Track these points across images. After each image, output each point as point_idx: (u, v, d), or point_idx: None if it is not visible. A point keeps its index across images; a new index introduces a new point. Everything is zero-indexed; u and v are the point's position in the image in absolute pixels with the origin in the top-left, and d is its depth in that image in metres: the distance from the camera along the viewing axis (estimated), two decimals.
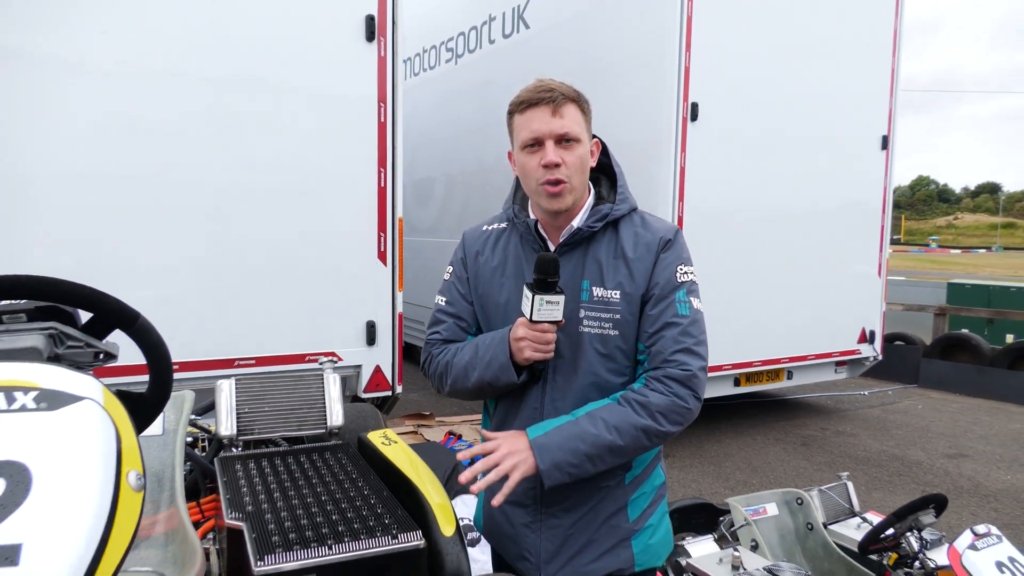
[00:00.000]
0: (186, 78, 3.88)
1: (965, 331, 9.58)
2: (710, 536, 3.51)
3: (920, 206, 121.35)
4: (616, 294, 1.67)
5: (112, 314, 1.20)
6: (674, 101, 5.54)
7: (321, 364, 2.18)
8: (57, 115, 3.63)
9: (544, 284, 1.58)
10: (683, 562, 3.28)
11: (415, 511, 1.59)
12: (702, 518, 3.84)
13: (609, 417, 1.60)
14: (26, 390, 0.92)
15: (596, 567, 1.70)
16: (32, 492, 0.81)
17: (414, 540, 1.42)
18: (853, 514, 3.70)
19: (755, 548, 3.37)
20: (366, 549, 1.38)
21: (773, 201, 6.26)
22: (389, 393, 4.52)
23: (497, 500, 1.56)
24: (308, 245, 4.26)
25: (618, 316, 1.67)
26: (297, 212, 4.22)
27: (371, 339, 4.39)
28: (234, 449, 1.98)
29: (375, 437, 2.05)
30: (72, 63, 3.62)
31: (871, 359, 7.19)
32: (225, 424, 1.97)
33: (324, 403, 2.09)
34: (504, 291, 1.77)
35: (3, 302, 1.15)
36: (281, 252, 4.18)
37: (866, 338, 7.06)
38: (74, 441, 0.89)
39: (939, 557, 2.93)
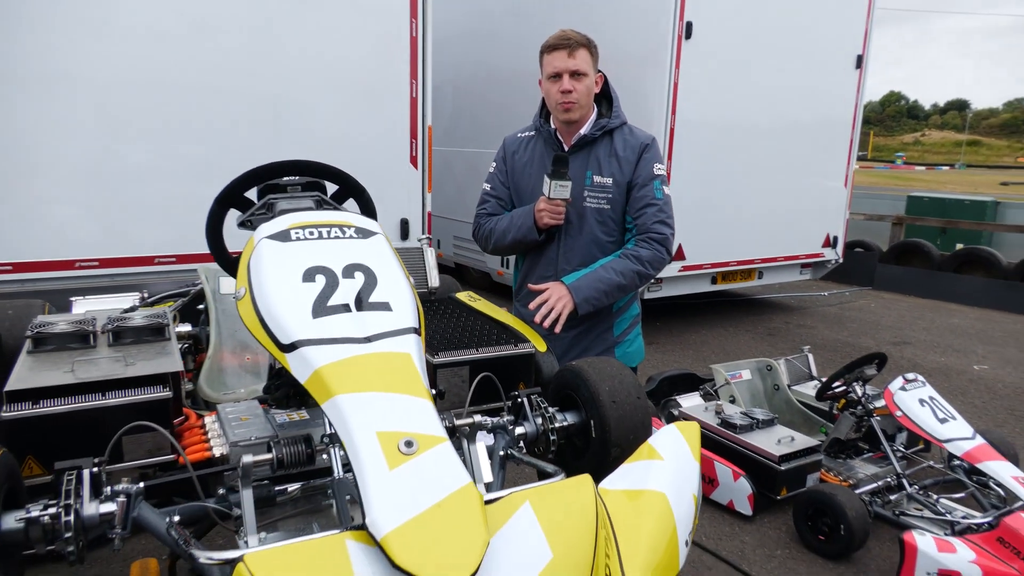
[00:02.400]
0: None
1: (918, 239, 10.46)
2: (696, 393, 4.32)
3: (889, 122, 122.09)
4: (609, 180, 2.56)
5: (350, 187, 1.82)
6: (671, 19, 6.00)
7: (420, 241, 2.81)
8: (116, 28, 3.96)
9: (558, 173, 2.43)
10: (675, 411, 4.10)
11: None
12: (686, 385, 4.65)
13: (616, 266, 2.51)
14: (349, 227, 1.54)
15: None
16: (379, 279, 1.45)
17: (528, 348, 2.10)
18: (811, 378, 4.54)
19: (732, 402, 4.19)
20: (500, 352, 2.06)
21: (754, 115, 6.85)
22: None
23: (559, 327, 2.42)
24: (348, 150, 4.74)
25: (610, 195, 2.56)
26: (337, 120, 4.69)
27: (404, 234, 4.98)
28: None
29: (463, 296, 2.72)
30: None
31: (833, 262, 8.01)
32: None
33: (425, 270, 2.74)
34: (531, 179, 2.64)
35: (285, 178, 1.74)
36: (324, 154, 4.65)
37: (830, 243, 7.85)
38: (384, 255, 1.52)
39: (880, 405, 3.75)
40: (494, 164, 2.81)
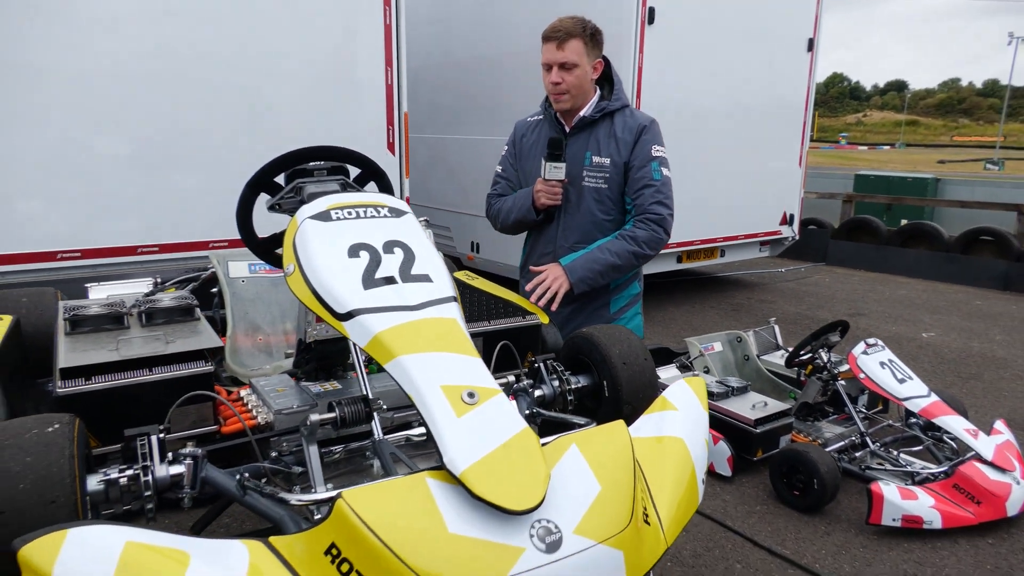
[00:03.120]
0: None
1: (867, 216, 10.92)
2: (673, 365, 4.53)
3: (833, 103, 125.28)
4: (607, 161, 2.66)
5: (372, 170, 1.93)
6: (634, 5, 6.16)
7: (420, 221, 2.92)
8: (84, 13, 3.93)
9: (552, 155, 2.56)
10: None
11: None
12: (661, 358, 4.86)
13: (611, 247, 2.62)
14: (382, 207, 1.66)
15: None
16: (416, 253, 1.57)
17: (536, 320, 2.25)
18: (778, 348, 4.80)
19: (707, 372, 4.41)
20: (509, 323, 2.20)
21: (715, 98, 7.08)
22: None
23: (555, 305, 2.54)
24: (322, 136, 4.77)
25: (608, 175, 2.67)
26: (314, 109, 4.73)
27: None
28: None
29: (460, 275, 2.85)
30: None
31: (790, 239, 8.34)
32: None
33: None
34: (536, 161, 2.74)
35: (311, 163, 1.84)
36: (297, 143, 4.71)
37: (787, 220, 8.18)
38: (416, 232, 1.64)
39: (844, 369, 4.00)
40: (506, 147, 2.91)
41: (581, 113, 2.67)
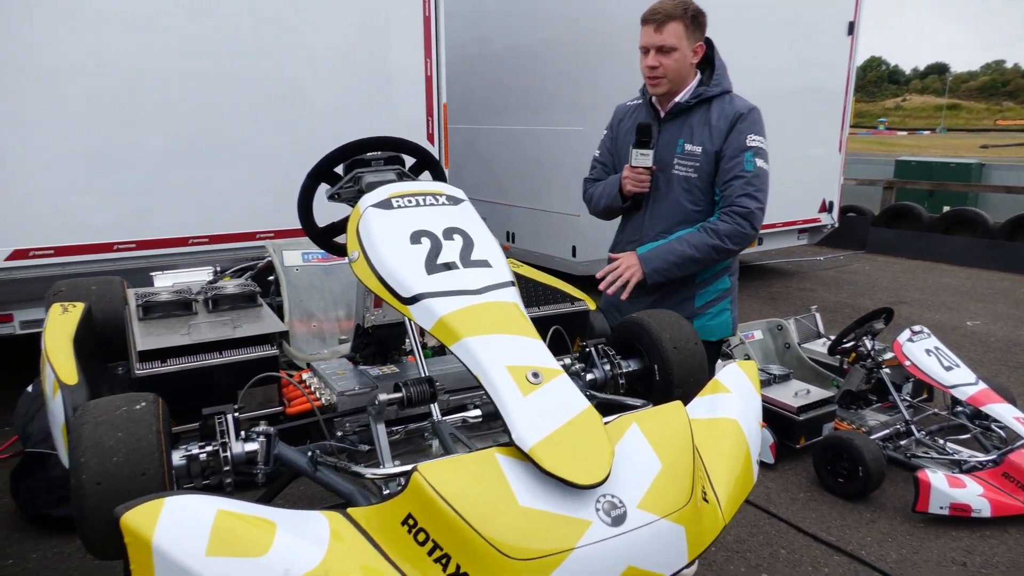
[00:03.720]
0: None
1: (908, 202, 10.72)
2: None
3: (871, 88, 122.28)
4: (699, 149, 2.54)
5: (426, 160, 1.98)
6: None
7: None
8: (121, 11, 4.04)
9: (639, 142, 2.50)
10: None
11: None
12: None
13: (690, 239, 2.52)
14: (440, 195, 1.70)
15: None
16: (475, 240, 1.61)
17: (584, 305, 2.28)
18: (819, 336, 4.76)
19: (748, 359, 4.40)
20: (558, 309, 2.24)
21: (750, 85, 6.90)
22: None
23: (624, 295, 2.52)
24: (362, 128, 4.83)
25: (698, 164, 2.55)
26: (353, 99, 4.80)
27: None
28: None
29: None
30: None
31: (829, 226, 8.23)
32: None
33: None
34: (630, 146, 2.62)
35: (370, 153, 1.90)
36: (341, 135, 4.78)
37: (826, 208, 8.07)
38: (473, 220, 1.69)
39: (889, 356, 3.96)
40: (605, 131, 2.85)
41: (676, 99, 2.55)
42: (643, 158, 2.50)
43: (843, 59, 7.79)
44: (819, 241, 8.65)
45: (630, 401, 1.70)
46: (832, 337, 4.39)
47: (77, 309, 2.11)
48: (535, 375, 1.31)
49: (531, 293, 2.36)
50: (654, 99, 2.62)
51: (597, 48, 6.68)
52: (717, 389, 1.63)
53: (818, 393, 3.79)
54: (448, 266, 1.51)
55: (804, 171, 7.75)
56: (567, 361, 1.80)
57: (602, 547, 1.13)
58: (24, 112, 3.81)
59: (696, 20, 2.46)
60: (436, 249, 1.54)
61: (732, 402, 1.59)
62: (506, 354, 1.34)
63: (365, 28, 4.77)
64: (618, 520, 1.17)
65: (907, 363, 3.67)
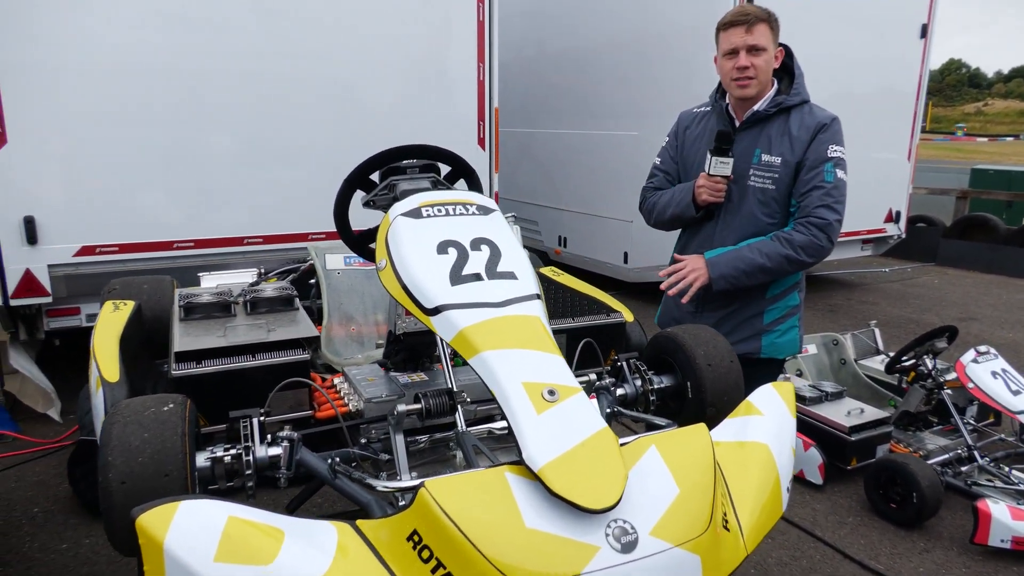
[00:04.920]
0: None
1: (983, 213, 10.18)
2: None
3: (949, 92, 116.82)
4: (778, 160, 2.44)
5: (461, 168, 1.98)
6: None
7: (507, 217, 2.96)
8: (194, 14, 4.17)
9: (719, 150, 2.39)
10: None
11: None
12: None
13: (763, 247, 2.43)
14: (471, 204, 1.70)
15: (735, 348, 2.55)
16: (502, 251, 1.60)
17: (620, 317, 2.24)
18: (878, 353, 4.57)
19: (799, 375, 4.26)
20: (593, 321, 2.20)
21: (814, 87, 6.66)
22: None
23: (686, 298, 2.44)
24: (415, 131, 4.90)
25: (777, 175, 2.45)
26: (408, 104, 4.86)
27: None
28: None
29: (547, 271, 2.87)
30: None
31: (895, 237, 7.89)
32: None
33: None
34: (699, 154, 2.56)
35: (405, 160, 1.91)
36: (395, 139, 4.85)
37: (892, 218, 7.74)
38: (502, 230, 1.68)
39: (951, 377, 3.77)
40: (667, 138, 2.76)
41: (755, 107, 2.47)
42: (722, 166, 2.39)
43: (915, 62, 7.47)
44: (885, 252, 8.32)
45: (656, 420, 1.65)
46: (891, 354, 4.20)
47: (127, 307, 2.19)
48: (551, 392, 1.29)
49: (567, 303, 2.33)
50: (730, 107, 2.53)
51: (654, 52, 6.59)
52: (749, 411, 1.57)
53: (873, 413, 3.63)
54: (473, 277, 1.50)
55: (870, 178, 7.44)
56: (591, 377, 1.76)
57: (610, 574, 1.10)
58: (94, 112, 3.98)
59: (777, 25, 2.42)
60: (463, 259, 1.54)
61: (764, 425, 1.53)
62: (523, 370, 1.32)
63: (420, 33, 4.82)
64: (629, 547, 1.13)
65: (970, 385, 3.48)
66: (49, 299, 3.99)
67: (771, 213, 2.48)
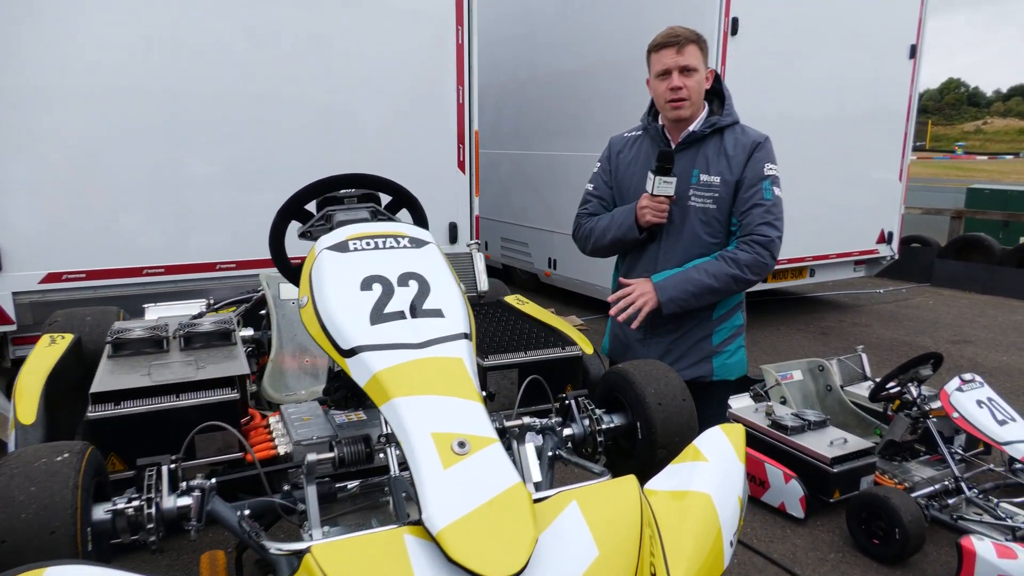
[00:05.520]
0: (281, 4, 4.38)
1: (978, 233, 10.09)
2: (747, 394, 4.29)
3: (948, 111, 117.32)
4: (717, 179, 2.46)
5: (403, 198, 1.90)
6: (716, 16, 5.95)
7: (469, 246, 2.88)
8: (168, 37, 4.12)
9: (662, 169, 2.38)
10: (726, 413, 4.08)
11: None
12: (737, 385, 4.60)
13: (709, 268, 2.42)
14: (403, 237, 1.62)
15: (686, 373, 2.57)
16: (432, 287, 1.52)
17: (576, 350, 2.15)
18: (865, 379, 4.46)
19: (783, 403, 4.15)
20: (547, 354, 2.11)
21: (804, 108, 6.73)
22: None
23: (635, 323, 2.41)
24: (397, 156, 4.86)
25: (717, 195, 2.47)
26: (387, 127, 4.81)
27: (453, 238, 5.08)
28: None
29: (511, 299, 2.79)
30: None
31: (888, 258, 7.81)
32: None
33: (474, 274, 2.81)
34: (635, 178, 2.58)
35: (342, 190, 1.83)
36: (374, 162, 4.80)
37: (884, 238, 7.66)
38: (436, 264, 1.59)
39: (936, 406, 3.66)
40: (598, 164, 2.76)
41: (690, 128, 2.48)
42: (666, 186, 2.39)
43: (904, 82, 7.44)
44: (879, 273, 8.23)
45: (590, 467, 1.56)
46: (878, 380, 4.09)
47: (64, 341, 2.11)
48: (461, 444, 1.19)
49: (523, 335, 2.24)
50: (664, 129, 2.54)
51: (641, 74, 6.55)
52: (693, 456, 1.47)
53: (856, 443, 3.51)
54: (396, 316, 1.42)
55: (861, 199, 7.40)
56: (526, 420, 1.65)
57: None
58: (61, 136, 3.93)
59: (706, 46, 2.46)
60: (387, 296, 1.45)
61: (708, 473, 1.43)
62: (434, 418, 1.23)
63: (399, 56, 4.78)
64: None
65: (955, 415, 3.37)
66: (14, 327, 3.91)
67: (713, 232, 2.49)
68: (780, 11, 6.30)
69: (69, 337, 2.14)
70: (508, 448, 1.61)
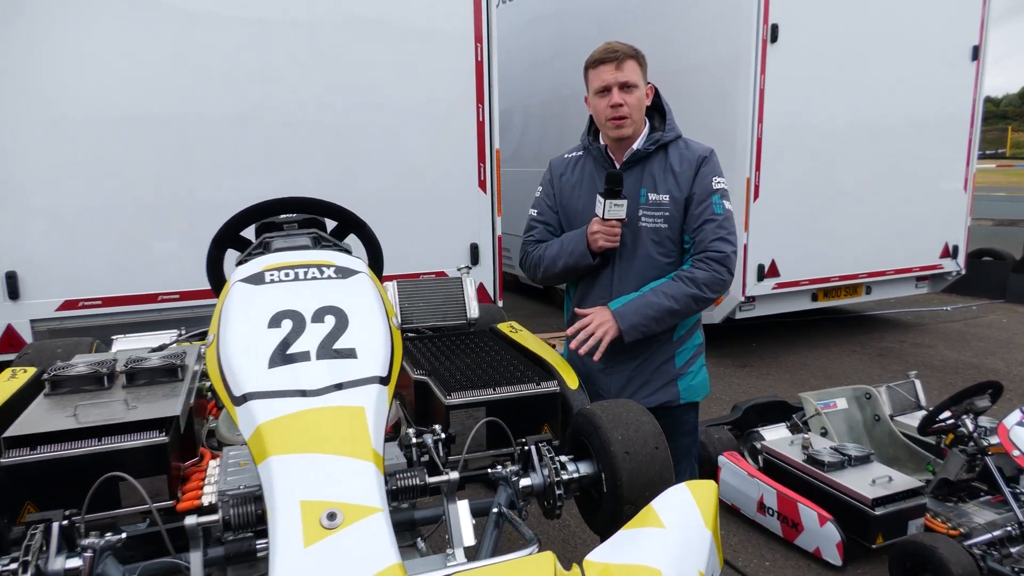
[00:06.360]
0: (299, 26, 4.35)
1: None
2: (782, 424, 3.96)
3: None
4: (666, 198, 2.33)
5: (349, 222, 1.75)
6: (754, 23, 5.67)
7: (459, 271, 2.72)
8: (188, 65, 4.14)
9: (612, 192, 2.21)
10: (758, 445, 3.77)
11: (547, 373, 2.11)
12: (776, 414, 4.28)
13: (667, 289, 2.28)
14: (328, 266, 1.46)
15: (651, 399, 2.39)
16: (350, 323, 1.35)
17: (552, 387, 1.94)
18: (919, 407, 4.06)
19: (824, 435, 3.81)
20: (519, 391, 1.91)
21: (854, 116, 6.34)
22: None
23: (597, 355, 2.25)
24: (418, 177, 4.77)
25: (667, 213, 2.33)
26: (407, 147, 4.72)
27: (475, 259, 4.93)
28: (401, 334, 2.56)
29: (504, 327, 2.59)
30: (201, 15, 4.14)
31: (954, 274, 7.27)
32: (393, 315, 2.55)
33: (464, 300, 2.63)
34: (581, 200, 2.43)
35: (282, 215, 1.69)
36: (394, 183, 4.72)
37: (948, 253, 7.13)
38: (362, 296, 1.43)
39: (995, 441, 3.28)
40: (540, 188, 2.64)
41: (634, 146, 2.37)
42: (617, 209, 2.24)
43: (967, 87, 6.95)
44: (946, 289, 7.67)
45: (523, 531, 1.35)
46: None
47: (26, 375, 2.02)
48: (332, 516, 1.01)
49: (499, 369, 2.05)
50: (607, 148, 2.42)
51: (675, 91, 6.32)
52: (647, 522, 1.25)
53: (903, 482, 3.17)
54: (299, 357, 1.25)
55: (921, 211, 6.91)
56: (453, 475, 1.44)
57: None
58: (77, 164, 3.97)
59: (644, 62, 2.35)
60: (295, 334, 1.29)
61: (663, 543, 1.21)
62: (307, 483, 1.05)
63: (418, 75, 4.69)
64: None
65: (1015, 453, 2.99)
66: None
67: (667, 252, 2.36)
68: (824, 15, 5.97)
69: (32, 371, 2.05)
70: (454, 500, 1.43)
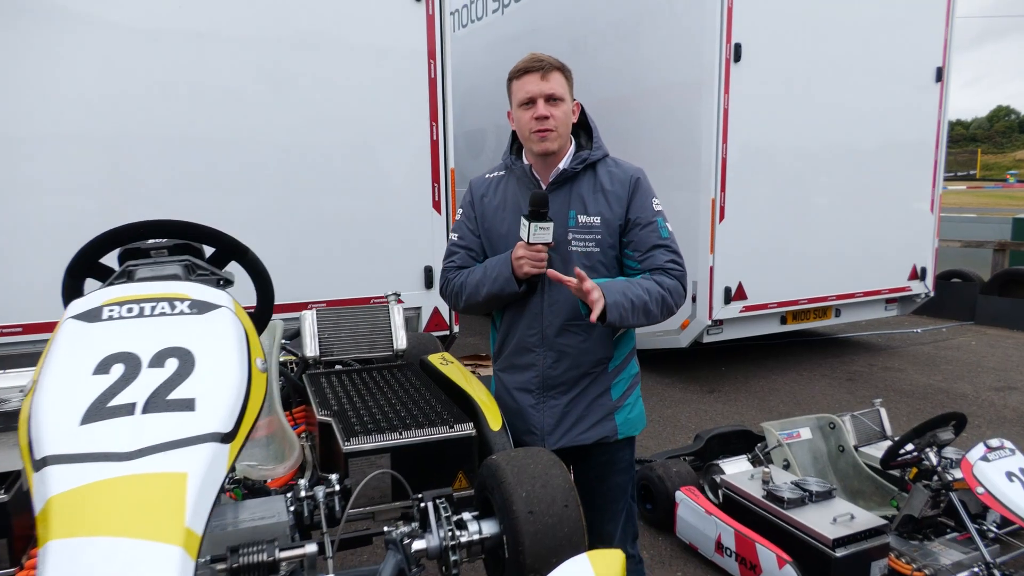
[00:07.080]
0: (244, 42, 4.18)
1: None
2: (744, 456, 3.79)
3: (999, 139, 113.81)
4: (597, 220, 2.17)
5: (229, 248, 1.55)
6: (716, 43, 5.59)
7: (387, 297, 2.53)
8: (125, 80, 3.96)
9: (537, 214, 2.02)
10: (717, 479, 3.59)
11: (469, 413, 1.92)
12: (740, 444, 4.11)
13: (641, 282, 2.12)
14: (182, 300, 1.26)
15: (588, 435, 2.21)
16: (196, 367, 1.15)
17: (466, 430, 1.75)
18: (885, 437, 3.91)
19: (787, 467, 3.64)
20: (428, 436, 1.72)
21: (821, 138, 6.28)
22: (447, 333, 4.89)
23: (594, 316, 1.95)
24: (368, 197, 4.58)
25: (599, 236, 2.17)
26: (356, 166, 4.54)
27: (429, 283, 4.74)
28: (319, 368, 2.36)
29: (434, 359, 2.40)
30: (140, 30, 3.95)
31: (922, 296, 7.20)
32: (309, 347, 2.34)
33: (391, 331, 2.44)
34: (505, 223, 2.23)
35: (150, 240, 1.50)
36: (344, 204, 4.53)
37: (917, 275, 7.07)
38: (218, 335, 1.23)
39: (959, 476, 3.13)
40: (460, 211, 2.44)
41: (560, 166, 2.20)
42: (543, 233, 2.06)
43: (932, 108, 6.93)
44: (916, 311, 7.60)
45: None
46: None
47: None
48: None
49: (413, 409, 1.85)
50: (532, 168, 2.24)
51: (648, 108, 6.23)
52: None
53: (865, 520, 2.99)
54: (121, 411, 1.05)
55: (889, 233, 6.85)
56: (309, 548, 1.23)
57: None
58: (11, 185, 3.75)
59: (571, 76, 2.20)
60: (124, 382, 1.09)
61: None
62: None
63: (368, 92, 4.53)
64: None
65: (979, 490, 2.83)
66: None
67: (600, 277, 2.16)
68: (788, 35, 5.91)
69: None
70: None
